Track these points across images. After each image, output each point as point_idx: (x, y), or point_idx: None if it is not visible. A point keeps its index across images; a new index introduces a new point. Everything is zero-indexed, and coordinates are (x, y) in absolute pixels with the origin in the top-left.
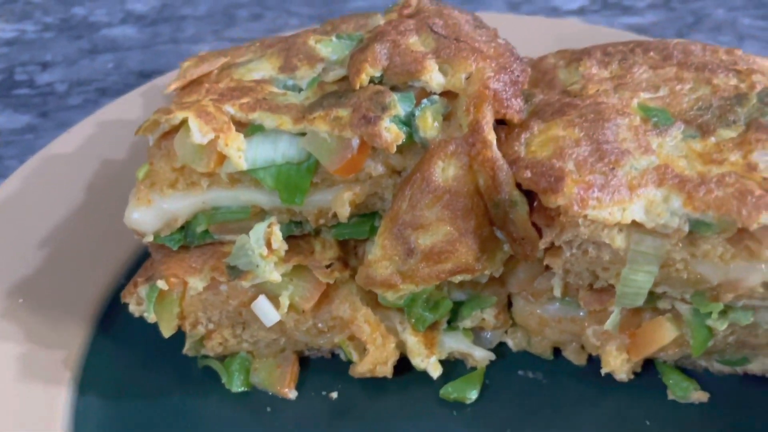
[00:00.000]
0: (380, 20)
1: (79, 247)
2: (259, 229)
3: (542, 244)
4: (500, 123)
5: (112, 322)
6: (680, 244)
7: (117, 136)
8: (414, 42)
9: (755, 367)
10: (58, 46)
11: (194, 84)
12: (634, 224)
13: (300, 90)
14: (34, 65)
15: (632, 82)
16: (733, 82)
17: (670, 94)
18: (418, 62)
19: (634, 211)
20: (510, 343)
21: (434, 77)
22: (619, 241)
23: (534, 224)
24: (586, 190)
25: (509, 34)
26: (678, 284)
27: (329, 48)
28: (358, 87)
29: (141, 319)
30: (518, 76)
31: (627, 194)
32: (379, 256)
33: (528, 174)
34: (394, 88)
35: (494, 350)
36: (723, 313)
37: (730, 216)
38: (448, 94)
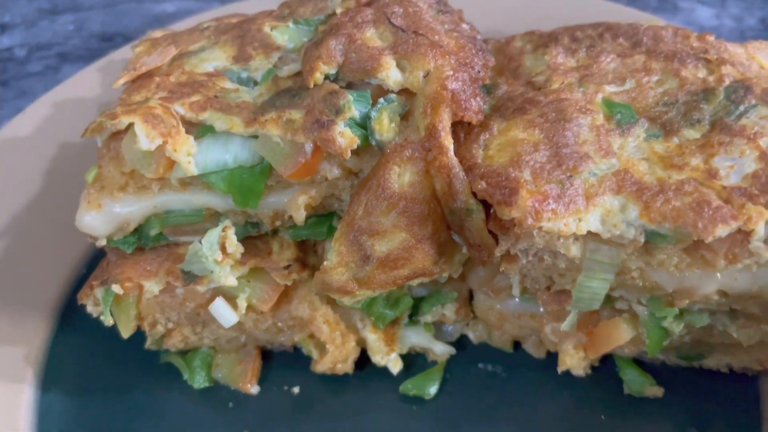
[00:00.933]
0: (338, 2)
1: (38, 239)
2: (212, 236)
3: (498, 252)
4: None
5: (74, 315)
6: (636, 254)
7: (74, 117)
8: (371, 36)
9: (711, 362)
10: (17, 6)
11: (145, 77)
12: (590, 234)
13: (254, 83)
14: None
15: (599, 73)
16: (702, 74)
17: (636, 87)
18: (374, 59)
19: (590, 222)
20: (471, 335)
21: (391, 75)
22: (574, 250)
23: (490, 231)
24: (541, 202)
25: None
26: (633, 290)
27: (285, 35)
28: (312, 85)
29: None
30: (479, 71)
31: (583, 204)
32: (335, 263)
33: (483, 185)
34: (350, 85)
35: (455, 343)
36: (679, 315)
37: (686, 228)
38: (406, 91)
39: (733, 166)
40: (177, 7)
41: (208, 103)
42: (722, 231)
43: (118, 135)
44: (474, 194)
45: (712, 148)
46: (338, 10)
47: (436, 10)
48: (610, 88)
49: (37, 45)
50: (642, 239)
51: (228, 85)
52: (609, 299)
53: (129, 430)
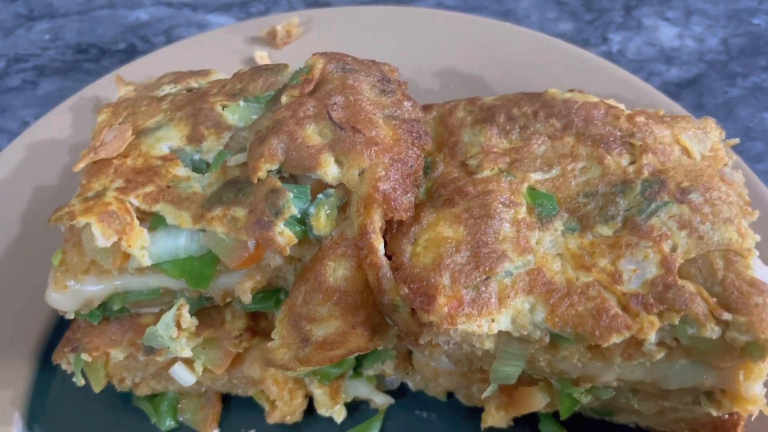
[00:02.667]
0: (287, 76)
1: (18, 284)
2: (167, 318)
3: (421, 341)
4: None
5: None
6: (543, 350)
7: (47, 160)
8: (311, 133)
9: (621, 419)
10: None
11: (103, 161)
12: (501, 332)
13: (206, 165)
14: None
15: (528, 157)
16: (625, 161)
17: (561, 176)
18: (313, 158)
19: (501, 323)
20: (410, 384)
21: (329, 172)
22: (488, 344)
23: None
24: (456, 308)
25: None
26: (543, 373)
27: (236, 115)
28: (255, 180)
29: None
30: (412, 165)
31: (496, 306)
32: (279, 344)
33: (405, 291)
34: (292, 176)
35: (396, 390)
36: (588, 390)
37: (585, 334)
38: (344, 184)
39: (636, 270)
40: (150, 15)
41: (161, 195)
42: (617, 339)
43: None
44: (400, 294)
45: (620, 249)
46: (284, 100)
47: (378, 90)
48: (536, 176)
49: (15, 56)
50: (547, 339)
51: (180, 171)
52: (524, 373)
53: None
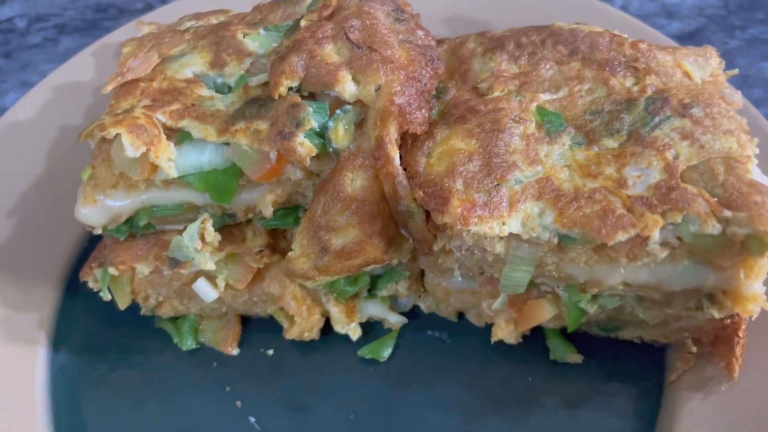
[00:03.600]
0: (305, 7)
1: (44, 214)
2: (192, 229)
3: (435, 247)
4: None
5: (80, 284)
6: (551, 252)
7: (71, 100)
8: (329, 51)
9: (625, 334)
10: None
11: (131, 83)
12: (512, 235)
13: (228, 88)
14: None
15: (537, 80)
16: (629, 83)
17: (568, 96)
18: (332, 74)
19: (512, 225)
20: (422, 306)
21: (347, 88)
22: (499, 248)
23: (430, 230)
24: (469, 210)
25: None
26: (551, 279)
27: (256, 42)
28: (277, 97)
29: None
30: (426, 84)
31: (507, 210)
32: (299, 254)
33: (421, 194)
34: (311, 95)
35: (408, 312)
36: (593, 299)
37: (592, 234)
38: (361, 101)
39: (641, 176)
40: None
41: (186, 112)
42: (622, 237)
43: (108, 139)
44: (415, 199)
45: (625, 158)
46: (302, 23)
47: (393, 18)
48: (544, 96)
49: (36, 16)
50: (555, 241)
51: (204, 92)
52: (533, 284)
53: (128, 385)
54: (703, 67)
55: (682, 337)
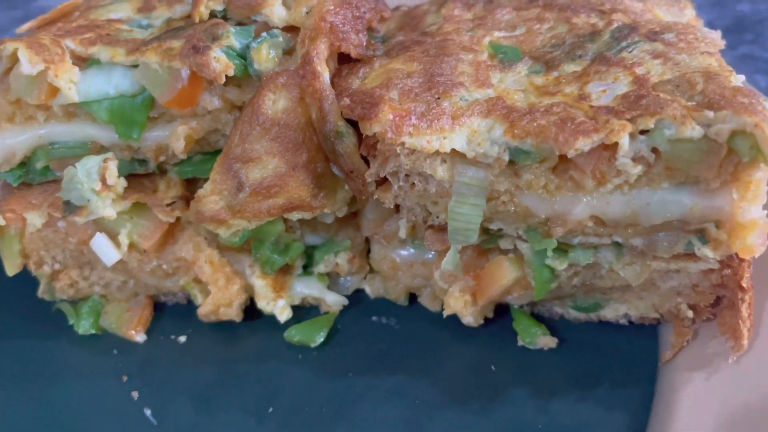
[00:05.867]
0: None
1: None
2: (88, 162)
3: (369, 177)
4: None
5: None
6: (503, 175)
7: None
8: None
9: (608, 313)
10: None
11: (49, 24)
12: (456, 154)
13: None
14: None
15: (492, 22)
16: (593, 21)
17: (526, 33)
18: None
19: (455, 141)
20: (367, 289)
21: (276, 11)
22: (441, 171)
23: (363, 157)
24: (403, 117)
25: None
26: (509, 219)
27: None
28: (197, 20)
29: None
30: (365, 12)
31: (448, 123)
32: (210, 191)
33: (347, 101)
34: (239, 25)
35: (352, 296)
36: (563, 252)
37: (548, 143)
38: (291, 30)
39: (606, 91)
40: None
41: (99, 39)
42: (583, 143)
43: (10, 71)
44: (346, 118)
45: (587, 77)
46: None
47: None
48: (498, 34)
49: None
50: (506, 157)
51: (124, 27)
52: (491, 237)
53: (13, 371)
54: (677, 17)
55: (675, 305)
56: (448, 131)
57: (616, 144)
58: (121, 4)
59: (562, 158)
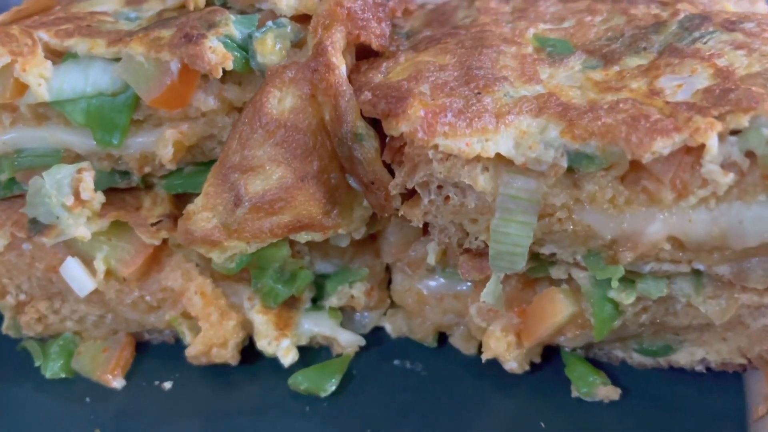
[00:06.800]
0: None
1: None
2: (60, 172)
3: (393, 188)
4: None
5: None
6: (560, 186)
7: None
8: None
9: (681, 358)
10: None
11: (24, 18)
12: (502, 160)
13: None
14: None
15: (534, 15)
16: (655, 11)
17: (576, 26)
18: None
19: (500, 143)
20: (388, 327)
21: None
22: (482, 181)
23: (387, 165)
24: (437, 114)
25: None
26: (565, 241)
27: None
28: (192, 8)
29: None
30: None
31: (492, 122)
32: (201, 206)
33: (368, 96)
34: (241, 14)
35: (369, 336)
36: (629, 282)
37: (617, 144)
38: (302, 20)
39: (682, 85)
40: None
41: (77, 31)
42: (662, 146)
43: None
44: (367, 118)
45: (657, 71)
46: None
47: None
48: (544, 26)
49: None
50: (564, 163)
51: (108, 19)
52: (541, 264)
53: None
54: (747, 9)
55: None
56: (491, 132)
57: (701, 146)
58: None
59: (634, 164)
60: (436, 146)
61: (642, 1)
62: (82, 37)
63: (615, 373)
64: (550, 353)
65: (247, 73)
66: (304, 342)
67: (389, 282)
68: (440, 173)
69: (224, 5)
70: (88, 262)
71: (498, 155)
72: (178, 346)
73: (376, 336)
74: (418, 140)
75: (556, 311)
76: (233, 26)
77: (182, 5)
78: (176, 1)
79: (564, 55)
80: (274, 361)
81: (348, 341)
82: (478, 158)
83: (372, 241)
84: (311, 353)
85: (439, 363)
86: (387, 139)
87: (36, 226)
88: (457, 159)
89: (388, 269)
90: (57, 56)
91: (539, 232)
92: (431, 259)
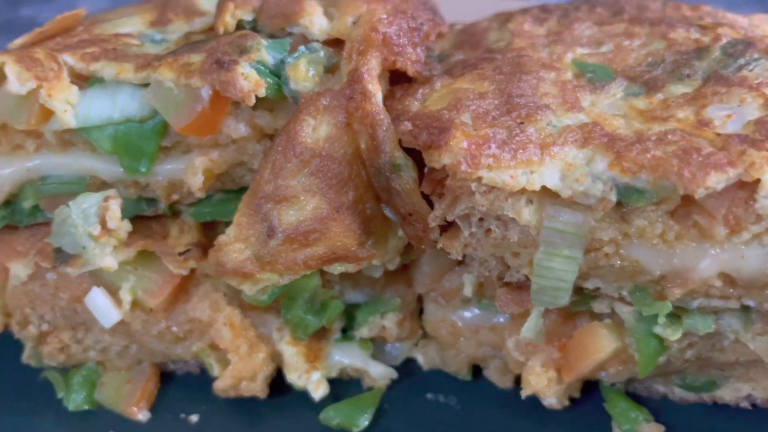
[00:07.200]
0: None
1: None
2: (87, 201)
3: (432, 220)
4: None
5: None
6: (608, 220)
7: None
8: None
9: (726, 394)
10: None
11: (47, 39)
12: (547, 193)
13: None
14: None
15: (570, 38)
16: (695, 36)
17: (614, 50)
18: (296, 3)
19: (546, 175)
20: (420, 359)
21: (316, 21)
22: (527, 215)
23: (426, 196)
24: (480, 145)
25: None
26: (611, 276)
27: (212, 1)
28: (222, 32)
29: None
30: (422, 24)
31: (537, 153)
32: (233, 237)
33: (408, 126)
34: (271, 38)
35: (401, 367)
36: (675, 318)
37: (669, 179)
38: (335, 45)
39: (731, 115)
40: None
41: (103, 54)
42: (716, 181)
43: None
44: (405, 147)
45: (704, 99)
46: None
47: None
48: (581, 50)
49: None
50: (613, 197)
51: (134, 41)
52: (584, 298)
53: None
54: None
55: None
56: (536, 163)
57: (756, 181)
58: (131, 18)
59: (685, 199)
60: (479, 179)
61: (681, 24)
62: (108, 60)
63: (656, 408)
64: (589, 387)
65: (279, 100)
66: (334, 374)
67: (421, 312)
68: (482, 206)
69: (254, 28)
70: (113, 292)
71: (543, 188)
72: (204, 376)
73: (407, 368)
74: (461, 173)
75: (599, 347)
76: (265, 51)
77: (210, 27)
78: (204, 23)
79: (605, 81)
80: (302, 394)
81: (380, 374)
82: (522, 191)
83: (404, 271)
84: (340, 386)
85: (473, 397)
86: (426, 170)
87: (61, 256)
88: (500, 191)
89: (419, 299)
90: (82, 80)
91: (584, 266)
92: (468, 291)
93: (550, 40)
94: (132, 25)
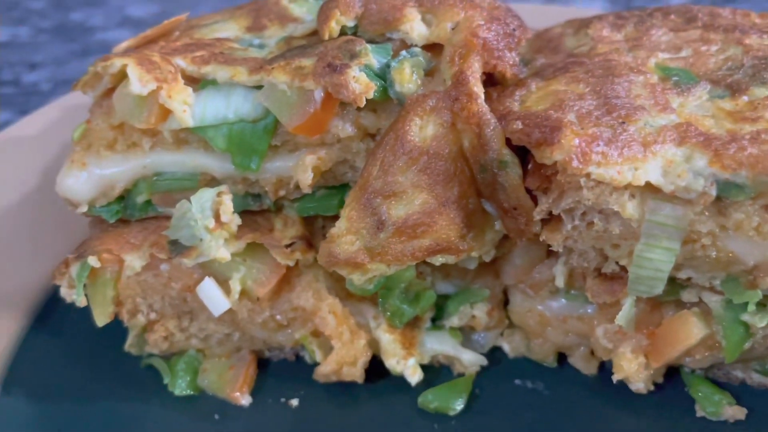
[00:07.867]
0: None
1: (26, 234)
2: (204, 196)
3: (538, 214)
4: (492, 84)
5: (53, 317)
6: (707, 213)
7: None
8: None
9: None
10: (50, 49)
11: (150, 43)
12: (649, 188)
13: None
14: (23, 66)
15: (649, 43)
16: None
17: (693, 55)
18: (397, 10)
19: (649, 171)
20: (506, 347)
21: (415, 27)
22: (630, 209)
23: (528, 191)
24: (590, 143)
25: None
26: (705, 267)
27: (304, 8)
28: (327, 38)
29: (83, 312)
30: (514, 29)
31: (640, 151)
32: (345, 230)
33: (519, 125)
34: (370, 43)
35: (487, 355)
36: (761, 306)
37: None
38: (432, 49)
39: None
40: None
41: (213, 58)
42: None
43: (111, 92)
44: (509, 145)
45: None
46: None
47: None
48: (663, 55)
49: (63, 80)
50: (714, 192)
51: (236, 45)
52: (674, 287)
53: None
54: None
55: None
56: (640, 160)
57: None
58: (227, 23)
59: None
60: (588, 174)
61: (754, 31)
62: (218, 64)
63: (736, 392)
64: (670, 373)
65: (383, 102)
66: (426, 361)
67: (506, 302)
68: (588, 200)
69: (355, 34)
70: (222, 282)
71: (646, 183)
72: (298, 363)
73: (492, 355)
74: (572, 168)
75: (689, 334)
76: (372, 56)
77: (309, 33)
78: (302, 29)
79: (690, 84)
80: (395, 379)
81: (470, 361)
82: (626, 186)
83: (492, 263)
84: (431, 372)
85: (560, 382)
86: (530, 166)
87: (177, 248)
88: (606, 186)
89: (504, 290)
90: (193, 82)
91: (681, 257)
92: (560, 282)
93: (630, 45)
94: (228, 30)
